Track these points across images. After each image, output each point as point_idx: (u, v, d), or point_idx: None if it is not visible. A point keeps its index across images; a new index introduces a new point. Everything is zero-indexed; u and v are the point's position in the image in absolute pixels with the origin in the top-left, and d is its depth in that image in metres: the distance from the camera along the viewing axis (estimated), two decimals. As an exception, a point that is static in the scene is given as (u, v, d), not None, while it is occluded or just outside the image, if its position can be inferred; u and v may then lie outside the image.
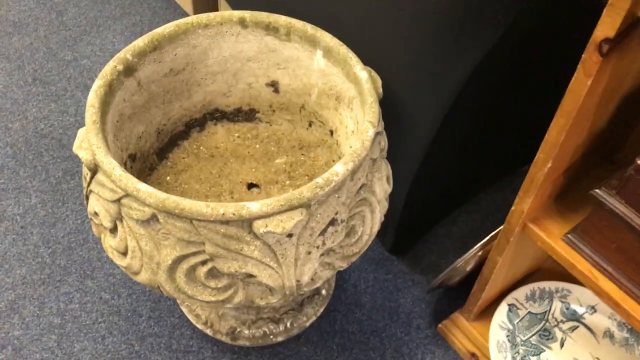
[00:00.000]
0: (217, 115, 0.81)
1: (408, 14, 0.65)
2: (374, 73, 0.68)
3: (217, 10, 1.28)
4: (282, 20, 0.72)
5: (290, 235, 0.57)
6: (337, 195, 0.59)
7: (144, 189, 0.55)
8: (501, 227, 0.74)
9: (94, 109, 0.61)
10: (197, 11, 1.33)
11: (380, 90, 0.67)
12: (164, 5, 1.35)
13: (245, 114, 0.82)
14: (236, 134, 0.81)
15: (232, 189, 0.76)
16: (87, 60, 1.22)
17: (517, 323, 0.82)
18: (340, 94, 0.72)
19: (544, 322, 0.83)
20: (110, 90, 0.65)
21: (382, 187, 0.67)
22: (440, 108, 0.70)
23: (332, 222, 0.60)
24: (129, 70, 0.68)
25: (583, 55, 0.50)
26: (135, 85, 0.69)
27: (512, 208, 0.65)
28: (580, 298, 0.84)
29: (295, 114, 0.80)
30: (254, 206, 0.54)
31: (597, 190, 0.59)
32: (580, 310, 0.83)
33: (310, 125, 0.80)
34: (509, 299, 0.83)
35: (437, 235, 0.98)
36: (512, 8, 0.58)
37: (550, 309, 0.83)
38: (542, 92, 0.80)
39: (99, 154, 0.58)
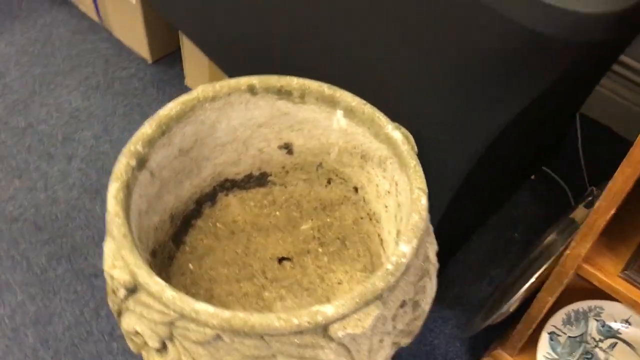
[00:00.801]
0: (227, 185, 0.75)
1: (443, 67, 0.61)
2: (404, 130, 0.64)
3: (179, 50, 1.20)
4: (294, 82, 0.67)
5: (365, 330, 0.53)
6: (405, 277, 0.55)
7: (204, 310, 0.49)
8: (544, 266, 0.73)
9: (119, 219, 0.55)
10: (154, 54, 1.24)
11: (416, 148, 0.63)
12: (116, 52, 1.26)
13: (256, 179, 0.76)
14: (251, 203, 0.76)
15: (263, 268, 0.70)
16: (45, 125, 1.11)
17: (560, 351, 0.81)
18: (367, 152, 0.68)
19: (583, 344, 0.82)
20: (128, 191, 0.58)
21: (433, 249, 0.63)
22: (470, 158, 0.67)
23: (402, 304, 0.56)
24: (141, 162, 0.61)
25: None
26: (148, 177, 0.63)
27: (567, 252, 0.63)
28: (613, 313, 0.84)
29: (312, 173, 0.75)
30: (329, 310, 0.49)
31: (659, 229, 0.58)
32: (615, 325, 0.83)
33: (329, 182, 0.75)
34: (548, 327, 0.82)
35: (455, 263, 0.96)
36: (559, 66, 0.55)
37: (587, 330, 0.83)
38: (569, 112, 0.79)
39: (141, 275, 0.51)
